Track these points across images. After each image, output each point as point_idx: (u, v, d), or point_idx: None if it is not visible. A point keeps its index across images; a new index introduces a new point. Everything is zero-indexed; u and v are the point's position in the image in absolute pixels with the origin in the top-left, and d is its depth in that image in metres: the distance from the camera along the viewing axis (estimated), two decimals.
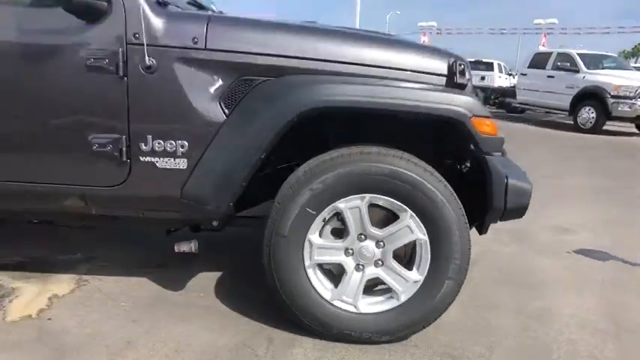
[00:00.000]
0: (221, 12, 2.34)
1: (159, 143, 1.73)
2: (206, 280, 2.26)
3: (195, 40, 1.69)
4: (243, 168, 1.69)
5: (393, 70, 1.74)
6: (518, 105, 12.72)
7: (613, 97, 9.57)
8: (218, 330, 1.84)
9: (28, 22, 1.70)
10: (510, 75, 19.98)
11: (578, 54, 11.01)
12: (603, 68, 10.76)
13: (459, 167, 2.05)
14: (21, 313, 1.91)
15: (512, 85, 16.79)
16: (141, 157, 1.74)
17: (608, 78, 9.96)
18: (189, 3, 2.11)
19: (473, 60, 20.57)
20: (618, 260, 2.78)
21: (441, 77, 1.79)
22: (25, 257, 2.39)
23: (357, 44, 1.78)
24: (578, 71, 10.51)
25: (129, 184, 1.77)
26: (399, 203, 1.66)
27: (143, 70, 1.68)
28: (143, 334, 1.79)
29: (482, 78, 17.37)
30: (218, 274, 2.34)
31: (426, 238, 1.69)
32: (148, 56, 1.66)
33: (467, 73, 1.80)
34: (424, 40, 32.07)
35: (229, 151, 1.70)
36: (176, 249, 2.04)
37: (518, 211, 1.76)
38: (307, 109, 1.61)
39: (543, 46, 28.97)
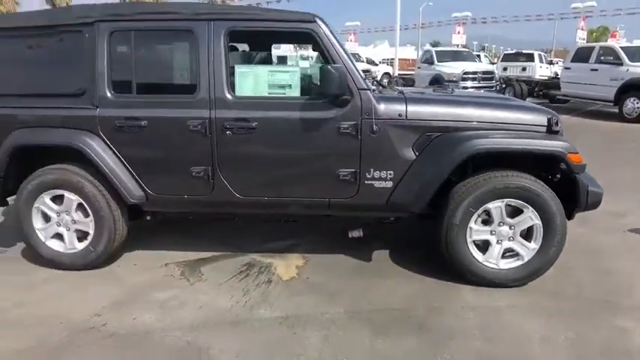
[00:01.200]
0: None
1: (377, 173, 3.00)
2: (385, 253, 3.53)
3: (400, 114, 2.94)
4: (431, 186, 2.93)
5: (517, 125, 2.95)
6: (562, 97, 13.54)
7: None
8: (404, 282, 3.11)
9: (307, 106, 2.98)
10: (551, 63, 20.50)
11: (621, 47, 11.74)
12: None
13: (551, 178, 3.22)
14: (288, 276, 3.23)
15: (554, 74, 17.50)
16: (365, 181, 3.02)
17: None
18: (373, 83, 3.35)
19: (513, 52, 21.17)
20: None
21: (543, 127, 2.98)
22: (265, 243, 3.73)
23: (495, 109, 3.00)
24: (621, 64, 11.26)
25: (357, 197, 3.06)
26: (523, 203, 2.87)
27: (370, 132, 2.95)
28: (361, 290, 3.08)
29: (524, 69, 18.09)
30: (386, 251, 3.60)
31: (539, 222, 2.89)
32: (374, 125, 2.93)
33: (559, 124, 2.98)
34: (459, 30, 32.50)
35: (420, 176, 2.95)
36: (350, 235, 3.33)
37: (595, 206, 2.95)
38: (473, 152, 2.83)
39: (582, 29, 29.04)
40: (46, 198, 3.19)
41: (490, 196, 2.87)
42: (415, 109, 2.97)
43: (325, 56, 2.95)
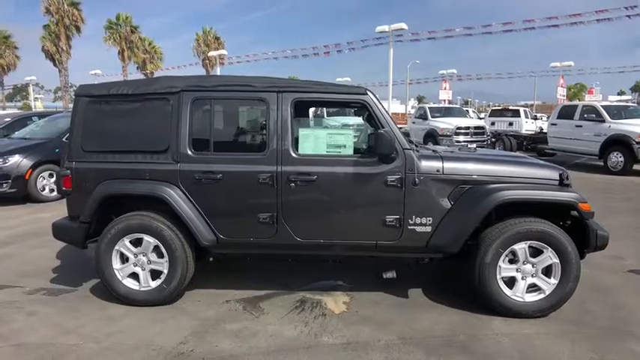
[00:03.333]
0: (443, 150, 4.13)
1: (418, 219, 3.53)
2: (418, 291, 3.99)
3: (438, 170, 3.52)
4: (467, 230, 3.45)
5: (534, 179, 3.54)
6: (550, 150, 14.48)
7: (638, 143, 11.25)
8: (441, 314, 3.56)
9: (359, 163, 3.53)
10: (535, 118, 21.75)
11: (602, 106, 12.79)
12: (625, 118, 12.48)
13: (562, 224, 3.78)
14: (339, 310, 3.66)
15: (539, 128, 18.62)
16: (408, 226, 3.54)
17: (632, 127, 11.67)
18: (409, 142, 3.95)
19: (500, 108, 22.45)
20: None
21: (555, 181, 3.58)
22: (311, 282, 4.17)
23: (515, 166, 3.60)
24: (603, 121, 12.25)
25: (401, 240, 3.56)
26: (544, 245, 3.40)
27: (412, 185, 3.50)
28: (407, 321, 3.53)
29: (510, 124, 19.23)
30: (418, 289, 4.06)
31: (558, 261, 3.41)
32: (416, 179, 3.49)
33: (569, 179, 3.58)
34: (445, 86, 34.29)
35: (457, 222, 3.48)
36: (384, 276, 3.80)
37: (603, 247, 3.49)
38: (501, 202, 3.38)
39: (562, 87, 30.95)
40: (127, 241, 3.64)
41: (516, 239, 3.40)
42: (451, 166, 3.55)
43: (374, 122, 3.56)
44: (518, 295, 3.47)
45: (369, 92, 3.59)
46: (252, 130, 3.84)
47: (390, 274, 3.84)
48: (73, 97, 3.83)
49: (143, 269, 3.68)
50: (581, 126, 12.87)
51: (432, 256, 3.72)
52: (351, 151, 3.61)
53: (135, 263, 3.68)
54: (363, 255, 3.80)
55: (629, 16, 22.05)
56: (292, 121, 3.56)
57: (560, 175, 3.58)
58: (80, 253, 4.70)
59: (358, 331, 3.30)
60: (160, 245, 3.61)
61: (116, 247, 3.65)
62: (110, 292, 3.70)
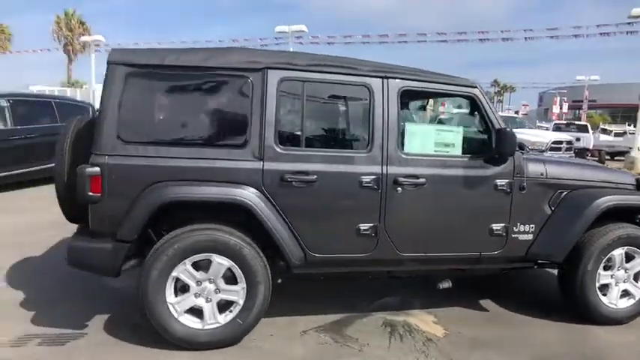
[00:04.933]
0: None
1: (521, 226, 3.26)
2: (489, 302, 3.73)
3: (542, 174, 3.29)
4: (574, 237, 3.26)
5: (621, 184, 3.53)
6: None
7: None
8: (542, 328, 3.36)
9: (469, 164, 3.11)
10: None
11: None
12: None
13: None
14: (440, 332, 3.20)
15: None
16: (512, 235, 3.25)
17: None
18: None
19: (565, 123, 21.17)
20: None
21: (633, 186, 3.62)
22: (375, 300, 3.61)
23: (603, 172, 3.56)
24: None
25: (504, 250, 3.26)
26: (636, 249, 3.40)
27: (519, 189, 3.22)
28: (520, 340, 3.24)
29: (578, 139, 17.02)
30: (487, 300, 3.81)
31: None
32: (524, 183, 3.22)
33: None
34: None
35: (561, 229, 3.29)
36: (440, 286, 3.47)
37: None
38: (606, 208, 3.28)
39: (586, 99, 32.91)
40: (189, 264, 2.70)
41: (616, 245, 3.33)
42: (553, 170, 3.35)
43: (484, 118, 3.19)
44: (613, 301, 3.41)
45: (478, 86, 3.21)
46: (351, 122, 3.16)
47: (447, 284, 3.49)
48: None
49: (208, 301, 2.77)
50: None
51: (524, 265, 3.48)
52: (459, 151, 3.18)
53: (197, 293, 2.75)
54: (463, 268, 3.39)
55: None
56: (399, 113, 3.01)
57: (637, 181, 3.64)
58: (56, 268, 3.48)
59: (486, 357, 2.90)
60: (236, 268, 2.74)
61: (173, 274, 2.68)
62: (162, 334, 2.70)
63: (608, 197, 3.33)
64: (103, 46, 28.09)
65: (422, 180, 3.00)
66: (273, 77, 2.80)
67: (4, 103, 7.14)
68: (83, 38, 30.25)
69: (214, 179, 2.72)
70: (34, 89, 18.20)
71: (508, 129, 3.07)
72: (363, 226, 2.95)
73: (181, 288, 2.76)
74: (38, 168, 7.53)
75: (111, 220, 2.66)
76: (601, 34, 19.62)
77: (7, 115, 7.13)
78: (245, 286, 2.77)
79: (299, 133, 2.89)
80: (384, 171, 2.94)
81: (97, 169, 2.61)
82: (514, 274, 4.19)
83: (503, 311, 3.61)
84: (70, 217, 3.14)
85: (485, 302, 3.75)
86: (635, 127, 16.69)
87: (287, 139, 2.87)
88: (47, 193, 7.85)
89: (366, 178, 2.90)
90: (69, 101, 8.94)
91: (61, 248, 4.69)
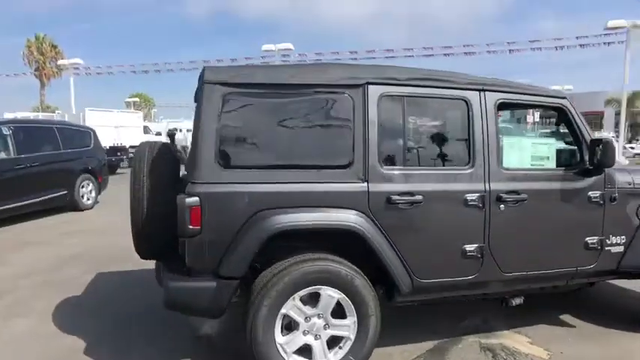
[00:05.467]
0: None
1: (614, 239, 3.17)
2: (570, 318, 3.61)
3: (629, 183, 3.22)
4: None
5: None
6: None
7: None
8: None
9: (565, 177, 3.01)
10: None
11: None
12: None
13: None
14: (546, 355, 3.03)
15: None
16: (605, 247, 3.16)
17: None
18: None
19: None
20: None
21: None
22: (456, 324, 3.43)
23: None
24: None
25: (598, 264, 3.15)
26: None
27: (610, 201, 3.14)
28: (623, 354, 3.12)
29: None
30: (566, 315, 3.69)
31: None
32: (615, 193, 3.14)
33: None
34: None
35: None
36: (512, 303, 3.25)
37: None
38: None
39: None
40: (297, 299, 2.47)
41: None
42: (637, 178, 3.28)
43: (574, 129, 3.10)
44: None
45: (567, 97, 3.13)
46: (451, 138, 3.00)
47: (518, 300, 3.35)
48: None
49: (317, 338, 2.54)
50: None
51: (609, 278, 3.39)
52: (553, 164, 3.08)
53: (306, 331, 2.51)
54: (557, 285, 3.25)
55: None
56: (497, 126, 2.89)
57: None
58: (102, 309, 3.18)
59: None
60: (347, 300, 2.53)
61: (282, 311, 2.44)
62: None
63: None
64: (83, 69, 27.31)
65: (524, 196, 2.87)
66: (375, 93, 2.64)
67: (5, 130, 6.67)
68: (61, 62, 29.21)
69: (320, 204, 2.51)
70: (10, 115, 17.37)
71: (608, 139, 2.99)
72: (469, 247, 2.79)
73: (287, 326, 2.52)
74: (43, 199, 7.07)
75: (211, 255, 2.41)
76: (581, 45, 20.28)
77: (10, 143, 6.67)
78: (356, 319, 2.55)
79: (401, 151, 2.73)
80: (488, 188, 2.80)
81: (197, 199, 2.37)
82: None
83: (590, 326, 3.50)
84: (147, 254, 2.87)
85: (565, 317, 3.63)
86: (599, 132, 17.30)
87: (389, 158, 2.69)
88: (50, 224, 7.47)
89: (470, 196, 2.75)
90: (70, 126, 8.46)
91: (100, 286, 4.36)
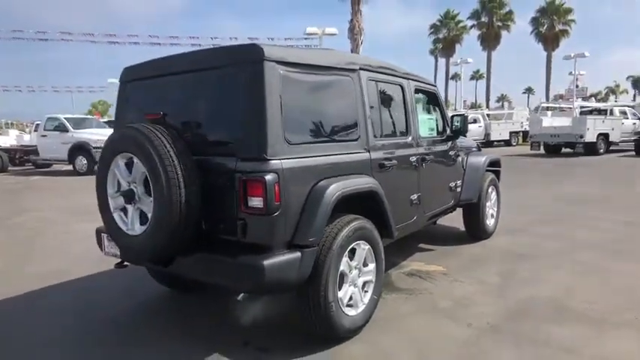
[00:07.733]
0: None
1: (457, 182, 4.70)
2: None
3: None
4: None
5: None
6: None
7: (95, 148, 13.20)
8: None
9: (442, 142, 4.28)
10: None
11: (65, 118, 14.63)
12: (87, 128, 14.60)
13: None
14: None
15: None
16: (457, 189, 4.65)
17: (91, 135, 13.77)
18: None
19: None
20: None
21: None
22: None
23: None
24: (67, 131, 14.14)
25: (453, 200, 4.62)
26: None
27: (455, 157, 4.63)
28: None
29: None
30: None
31: None
32: (457, 153, 4.65)
33: None
34: None
35: None
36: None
37: None
38: None
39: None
40: (347, 255, 2.82)
41: None
42: None
43: (441, 108, 4.40)
44: None
45: (436, 87, 4.38)
46: (397, 116, 3.67)
47: None
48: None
49: (355, 286, 2.94)
50: (46, 136, 14.48)
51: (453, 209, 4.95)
52: (436, 133, 4.30)
53: (350, 282, 2.88)
54: (441, 216, 4.51)
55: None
56: (414, 104, 3.87)
57: None
58: None
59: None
60: (370, 250, 3.03)
61: (341, 268, 2.75)
62: (327, 334, 2.77)
63: None
64: None
65: (431, 156, 3.97)
66: (364, 77, 3.18)
67: None
68: None
69: (348, 172, 2.90)
70: None
71: (463, 114, 4.42)
72: (413, 197, 3.69)
73: (342, 280, 2.81)
74: None
75: (288, 228, 2.48)
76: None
77: None
78: (376, 265, 3.08)
79: (378, 125, 3.34)
80: (417, 152, 3.75)
81: (275, 175, 2.39)
82: None
83: (445, 247, 4.99)
84: (167, 255, 2.57)
85: (428, 245, 5.03)
86: None
87: (376, 131, 3.28)
88: None
89: (412, 158, 3.65)
90: None
91: None
